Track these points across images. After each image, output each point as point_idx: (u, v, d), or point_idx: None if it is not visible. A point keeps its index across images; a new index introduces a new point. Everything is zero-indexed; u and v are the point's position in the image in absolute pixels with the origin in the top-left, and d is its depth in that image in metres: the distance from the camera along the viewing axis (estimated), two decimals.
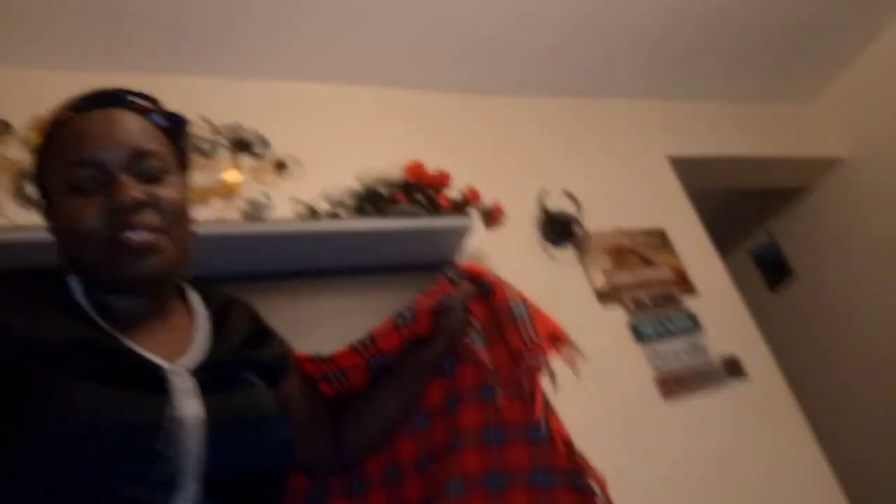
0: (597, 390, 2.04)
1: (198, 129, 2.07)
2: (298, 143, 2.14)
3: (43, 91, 1.91)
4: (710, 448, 2.06)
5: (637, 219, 2.49)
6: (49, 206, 0.79)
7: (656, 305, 2.30)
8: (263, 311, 1.60)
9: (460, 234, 2.00)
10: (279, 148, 2.12)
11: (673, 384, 2.14)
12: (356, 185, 2.00)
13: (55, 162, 0.78)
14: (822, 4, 2.67)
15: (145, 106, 0.82)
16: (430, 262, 2.04)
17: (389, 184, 1.98)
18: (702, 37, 2.67)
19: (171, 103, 2.06)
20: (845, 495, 2.15)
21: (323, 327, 1.80)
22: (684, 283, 2.40)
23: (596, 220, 2.38)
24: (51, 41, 1.98)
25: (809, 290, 3.34)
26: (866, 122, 3.12)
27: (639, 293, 2.31)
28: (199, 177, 1.98)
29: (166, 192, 0.77)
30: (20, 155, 1.82)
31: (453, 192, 2.03)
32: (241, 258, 1.81)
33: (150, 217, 0.75)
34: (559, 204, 2.33)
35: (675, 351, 2.21)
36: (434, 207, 1.99)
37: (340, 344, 1.82)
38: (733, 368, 2.25)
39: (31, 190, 1.75)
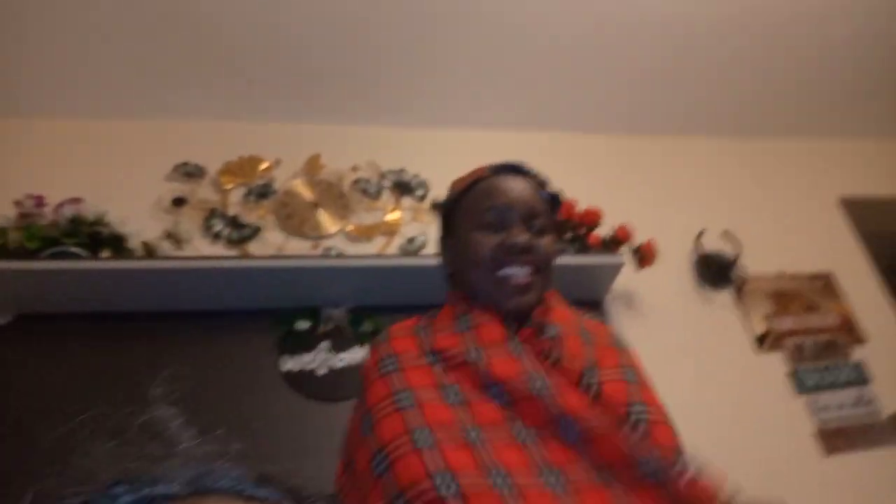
0: (754, 442, 1.95)
1: (365, 173, 2.26)
2: None
3: (231, 140, 2.21)
4: None
5: (802, 262, 2.37)
6: (452, 238, 1.05)
7: (820, 354, 2.16)
8: None
9: (612, 272, 2.01)
10: (438, 190, 2.26)
11: (836, 439, 1.99)
12: None
13: (472, 205, 1.02)
14: None
15: (539, 180, 1.06)
16: (578, 299, 2.07)
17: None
18: (872, 72, 2.53)
19: (344, 150, 2.27)
20: None
21: None
22: (852, 330, 2.24)
23: (758, 263, 2.29)
24: (238, 96, 2.25)
25: None
26: None
27: (802, 340, 2.18)
28: (364, 216, 2.16)
29: (544, 243, 0.99)
30: (211, 196, 2.09)
31: (604, 231, 2.06)
32: (401, 289, 1.92)
33: (530, 260, 0.96)
34: (718, 246, 2.28)
35: (839, 403, 2.06)
36: (582, 245, 2.02)
37: None
38: None
39: (216, 225, 2.00)
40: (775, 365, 2.13)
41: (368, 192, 2.23)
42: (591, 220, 2.03)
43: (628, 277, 2.09)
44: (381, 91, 2.32)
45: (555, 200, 1.08)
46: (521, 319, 0.97)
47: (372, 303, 1.91)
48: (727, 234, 2.30)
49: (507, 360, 0.91)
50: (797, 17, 2.24)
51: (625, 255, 2.02)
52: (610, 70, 2.37)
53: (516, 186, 1.01)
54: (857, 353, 2.20)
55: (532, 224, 0.99)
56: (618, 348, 1.06)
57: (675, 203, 2.42)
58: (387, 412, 0.88)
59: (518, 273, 0.95)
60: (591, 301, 2.08)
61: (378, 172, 2.28)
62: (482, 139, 2.45)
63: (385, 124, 2.40)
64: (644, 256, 2.04)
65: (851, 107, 2.68)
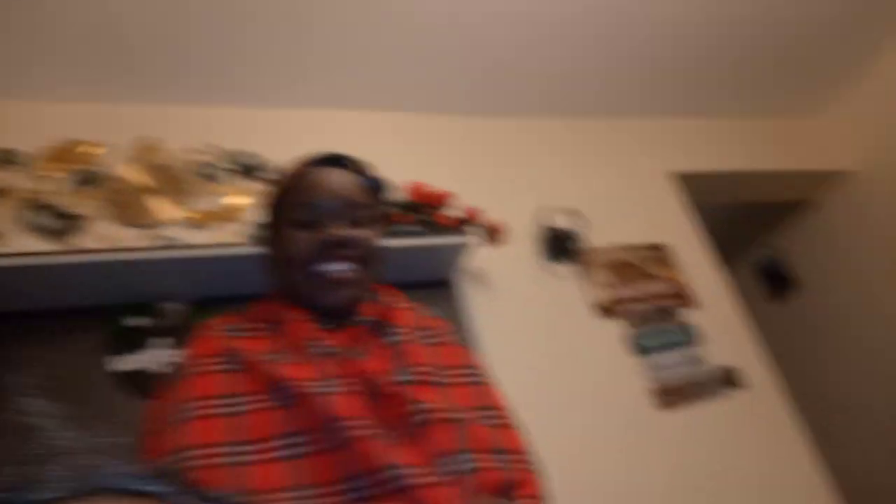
0: (596, 402, 2.08)
1: (206, 156, 2.15)
2: None
3: (50, 122, 2.02)
4: (707, 457, 2.07)
5: (638, 235, 2.53)
6: (273, 235, 1.01)
7: (655, 318, 2.32)
8: None
9: (459, 251, 2.05)
10: None
11: (670, 395, 2.16)
12: None
13: (290, 202, 0.99)
14: (829, 20, 2.70)
15: (361, 170, 1.04)
16: (430, 280, 2.10)
17: (393, 204, 2.03)
18: (707, 54, 2.71)
19: (182, 132, 2.14)
20: None
21: None
22: (684, 296, 2.43)
23: (597, 237, 2.42)
24: (57, 73, 2.04)
25: (815, 301, 3.34)
26: (873, 134, 3.13)
27: (638, 307, 2.34)
28: (204, 202, 2.06)
29: (366, 235, 0.98)
30: (25, 184, 1.90)
31: (454, 212, 2.08)
32: (250, 278, 1.86)
33: (350, 254, 0.95)
34: (561, 222, 2.38)
35: (673, 363, 2.23)
36: (434, 226, 2.04)
37: None
38: (731, 379, 2.26)
39: (34, 217, 1.83)
40: (615, 330, 2.27)
41: (210, 176, 2.12)
42: (439, 201, 2.05)
43: (477, 257, 2.15)
44: (222, 69, 2.19)
45: (378, 187, 1.07)
46: (342, 316, 0.95)
47: (218, 294, 1.82)
48: (569, 211, 2.40)
49: (299, 363, 0.87)
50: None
51: (473, 234, 2.07)
52: (458, 51, 2.38)
53: (334, 179, 1.00)
54: (688, 317, 2.38)
55: (352, 217, 0.98)
56: (461, 347, 1.07)
57: (522, 182, 2.50)
58: (160, 427, 0.84)
59: (336, 268, 0.94)
60: (441, 280, 2.11)
61: (220, 155, 2.17)
62: (330, 119, 2.40)
63: (226, 104, 2.28)
64: (492, 235, 2.09)
65: (681, 87, 2.87)
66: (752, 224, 3.69)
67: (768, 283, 3.60)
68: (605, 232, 2.45)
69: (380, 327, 0.97)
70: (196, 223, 2.01)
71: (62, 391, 1.61)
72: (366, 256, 0.98)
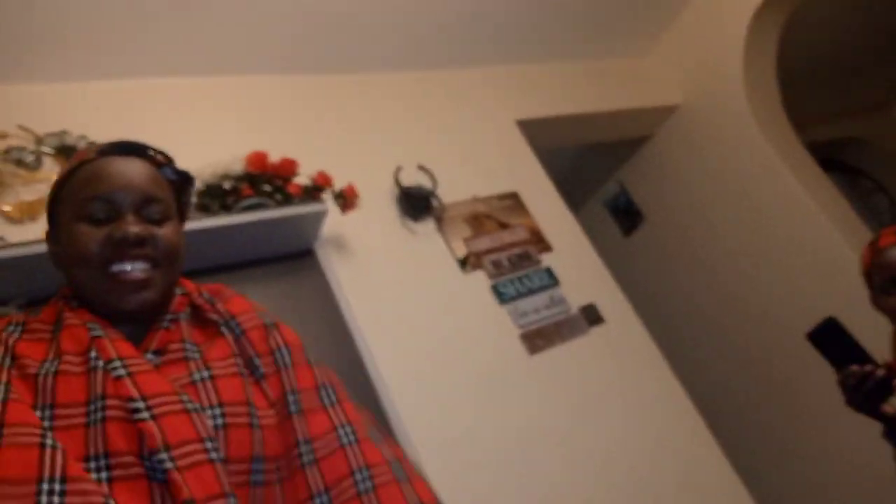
0: (469, 354, 2.12)
1: (17, 140, 1.93)
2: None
3: None
4: (574, 394, 2.18)
5: (491, 185, 2.57)
6: (57, 231, 0.90)
7: (515, 266, 2.39)
8: None
9: (316, 220, 1.99)
10: None
11: (536, 339, 2.25)
12: (197, 184, 1.93)
13: (74, 193, 0.87)
14: None
15: (159, 160, 0.93)
16: (290, 251, 2.03)
17: (233, 177, 1.93)
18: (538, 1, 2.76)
19: None
20: (707, 422, 2.36)
21: None
22: (540, 241, 2.51)
23: (453, 191, 2.43)
24: None
25: (660, 231, 3.58)
26: (695, 68, 3.36)
27: (498, 256, 2.39)
28: (23, 192, 1.86)
29: (163, 232, 0.88)
30: None
31: (304, 179, 2.01)
32: None
33: (145, 253, 0.85)
34: (416, 179, 2.37)
35: (535, 307, 2.32)
36: (284, 197, 1.96)
37: None
38: (592, 316, 2.39)
39: None
40: (478, 282, 2.31)
41: (25, 161, 1.90)
42: (288, 170, 1.97)
43: (335, 222, 2.10)
44: (23, 43, 1.96)
45: (182, 179, 0.97)
46: (148, 322, 0.88)
47: (49, 294, 1.66)
48: (422, 168, 2.40)
49: (71, 377, 0.77)
50: None
51: (328, 201, 2.01)
52: (292, 9, 2.26)
53: (127, 169, 0.88)
54: (546, 261, 2.47)
55: (148, 211, 0.88)
56: (312, 363, 0.97)
57: (371, 142, 2.45)
58: None
59: (131, 268, 0.84)
60: (301, 251, 2.05)
61: (34, 137, 1.95)
62: (155, 88, 2.23)
63: (36, 81, 2.05)
64: (347, 200, 2.04)
65: (523, 34, 2.91)
66: (600, 164, 3.87)
67: (621, 218, 3.81)
68: (459, 185, 2.47)
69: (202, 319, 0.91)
70: (15, 217, 1.81)
71: None
72: (165, 257, 0.88)
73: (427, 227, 2.34)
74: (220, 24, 2.20)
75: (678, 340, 3.30)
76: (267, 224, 1.89)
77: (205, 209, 1.90)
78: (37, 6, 1.87)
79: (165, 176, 0.93)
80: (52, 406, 0.74)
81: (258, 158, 1.92)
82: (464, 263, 2.32)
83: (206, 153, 1.98)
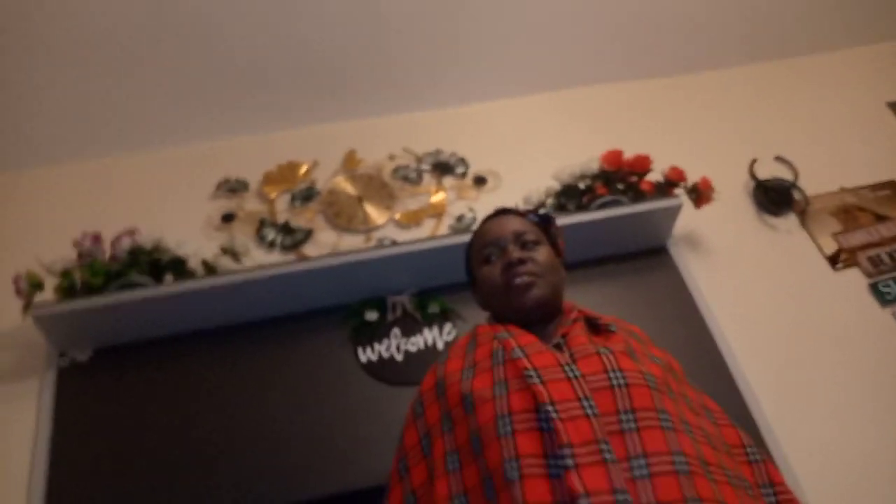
0: (841, 363, 1.89)
1: (403, 159, 2.25)
2: (495, 158, 2.26)
3: (266, 151, 2.23)
4: None
5: (862, 174, 2.28)
6: (474, 279, 1.22)
7: None
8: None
9: (668, 216, 1.97)
10: (478, 165, 2.24)
11: None
12: (554, 185, 2.04)
13: (475, 251, 1.22)
14: None
15: (522, 212, 1.25)
16: (642, 248, 2.03)
17: (588, 177, 2.00)
18: None
19: (378, 141, 2.28)
20: None
21: None
22: None
23: (816, 183, 2.22)
24: (266, 107, 2.27)
25: None
26: None
27: (876, 252, 2.10)
28: (409, 202, 2.15)
29: (537, 253, 1.15)
30: (258, 206, 2.10)
31: (655, 176, 2.01)
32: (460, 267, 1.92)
33: (527, 268, 1.11)
34: (772, 172, 2.22)
35: None
36: (636, 193, 1.97)
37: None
38: None
39: (269, 234, 2.01)
40: (853, 282, 2.05)
41: (409, 178, 2.21)
42: (642, 165, 1.98)
43: (688, 219, 2.05)
44: (405, 78, 2.32)
45: (542, 219, 1.24)
46: (544, 328, 1.09)
47: (434, 284, 1.90)
48: (780, 159, 2.23)
49: (543, 351, 0.99)
50: None
51: (681, 196, 1.97)
52: (634, 16, 2.32)
53: (502, 221, 1.20)
54: None
55: (523, 241, 1.15)
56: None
57: (722, 137, 2.36)
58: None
59: (521, 279, 1.10)
60: (654, 248, 2.04)
61: (415, 157, 2.26)
62: (510, 106, 2.45)
63: (414, 109, 2.39)
64: (701, 194, 1.98)
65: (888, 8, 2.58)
66: None
67: None
68: (823, 176, 2.25)
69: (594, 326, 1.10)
70: (404, 223, 2.10)
71: (315, 386, 1.74)
72: (542, 269, 1.12)
73: (789, 221, 2.15)
74: (564, 41, 2.34)
75: None
76: (620, 220, 1.92)
77: (562, 209, 2.00)
78: (409, 48, 2.22)
79: (531, 220, 1.23)
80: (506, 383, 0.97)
81: (613, 156, 1.97)
82: (834, 261, 2.09)
83: (562, 159, 2.09)
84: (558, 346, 1.01)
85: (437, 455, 0.98)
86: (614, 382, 0.90)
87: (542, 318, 1.10)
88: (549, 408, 0.87)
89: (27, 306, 1.66)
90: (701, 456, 0.86)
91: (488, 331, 1.09)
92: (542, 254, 1.14)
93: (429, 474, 0.99)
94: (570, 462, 0.81)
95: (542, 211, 1.29)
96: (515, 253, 1.12)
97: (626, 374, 0.91)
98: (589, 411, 0.86)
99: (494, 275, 1.13)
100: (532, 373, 0.92)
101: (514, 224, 1.18)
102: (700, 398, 1.07)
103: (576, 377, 0.91)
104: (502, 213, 1.24)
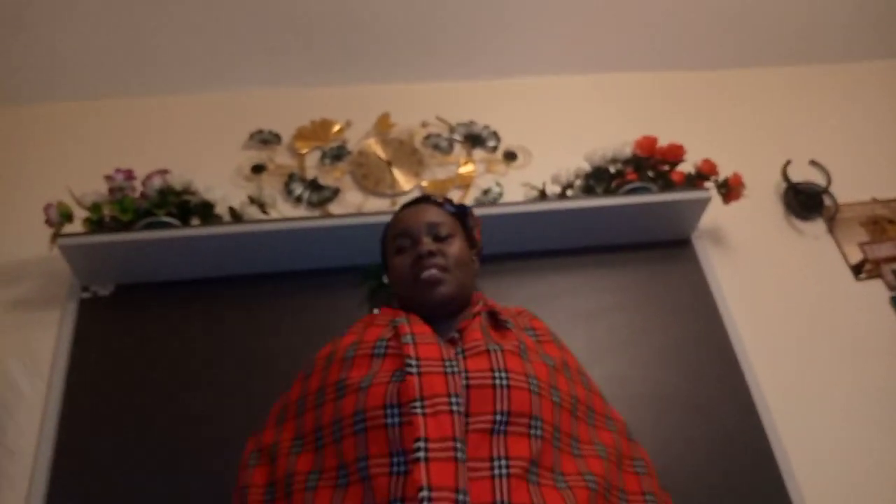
0: (857, 373, 1.88)
1: (435, 128, 2.25)
2: (527, 134, 2.24)
3: (302, 106, 2.23)
4: None
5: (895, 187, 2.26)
6: (387, 266, 1.22)
7: None
8: (506, 287, 1.87)
9: (695, 208, 1.95)
10: (509, 140, 2.23)
11: None
12: (585, 167, 2.04)
13: (390, 238, 1.21)
14: None
15: (439, 201, 1.25)
16: (666, 239, 2.02)
17: (619, 161, 1.99)
18: None
19: (413, 107, 2.28)
20: None
21: (560, 302, 1.88)
22: None
23: (848, 191, 2.19)
24: (305, 62, 2.26)
25: None
26: None
27: None
28: (438, 171, 2.16)
29: (449, 246, 1.15)
30: (288, 161, 2.12)
31: (688, 167, 1.99)
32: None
33: (436, 261, 1.11)
34: (805, 176, 2.20)
35: None
36: (666, 182, 1.96)
37: (574, 317, 1.86)
38: None
39: (296, 189, 2.03)
40: (875, 293, 2.04)
41: (440, 146, 2.21)
42: (674, 155, 1.97)
43: (715, 213, 2.04)
44: (445, 46, 2.30)
45: (459, 210, 1.24)
46: (447, 322, 1.11)
47: None
48: (814, 163, 2.21)
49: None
50: None
51: (710, 190, 1.96)
52: (680, 8, 2.29)
53: (418, 210, 1.20)
54: None
55: (436, 234, 1.16)
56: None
57: (758, 136, 2.33)
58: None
59: (430, 273, 1.10)
60: (678, 239, 2.03)
61: (448, 127, 2.26)
62: (548, 85, 2.42)
63: (451, 78, 2.38)
64: (731, 190, 1.97)
65: None
66: None
67: None
68: (856, 185, 2.22)
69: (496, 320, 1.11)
70: (430, 191, 2.10)
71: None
72: (453, 263, 1.13)
73: (816, 227, 2.14)
74: (609, 25, 2.31)
75: None
76: (647, 208, 1.91)
77: (589, 191, 2.00)
78: (453, 16, 2.20)
79: (447, 210, 1.22)
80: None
81: (648, 142, 1.96)
82: (858, 270, 2.07)
83: (594, 143, 2.07)
84: (453, 341, 1.03)
85: (307, 426, 1.03)
86: (497, 382, 0.93)
87: (447, 313, 1.12)
88: (417, 403, 0.89)
89: (55, 236, 1.69)
90: (557, 466, 0.93)
91: (389, 314, 1.11)
92: (455, 247, 1.15)
93: (296, 435, 1.05)
94: (421, 455, 0.84)
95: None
96: (427, 245, 1.12)
97: (510, 376, 0.94)
98: (454, 408, 0.89)
99: (405, 266, 1.14)
100: (413, 362, 0.94)
101: (430, 214, 1.18)
102: (590, 399, 1.11)
103: (452, 373, 0.93)
104: (419, 201, 1.25)
